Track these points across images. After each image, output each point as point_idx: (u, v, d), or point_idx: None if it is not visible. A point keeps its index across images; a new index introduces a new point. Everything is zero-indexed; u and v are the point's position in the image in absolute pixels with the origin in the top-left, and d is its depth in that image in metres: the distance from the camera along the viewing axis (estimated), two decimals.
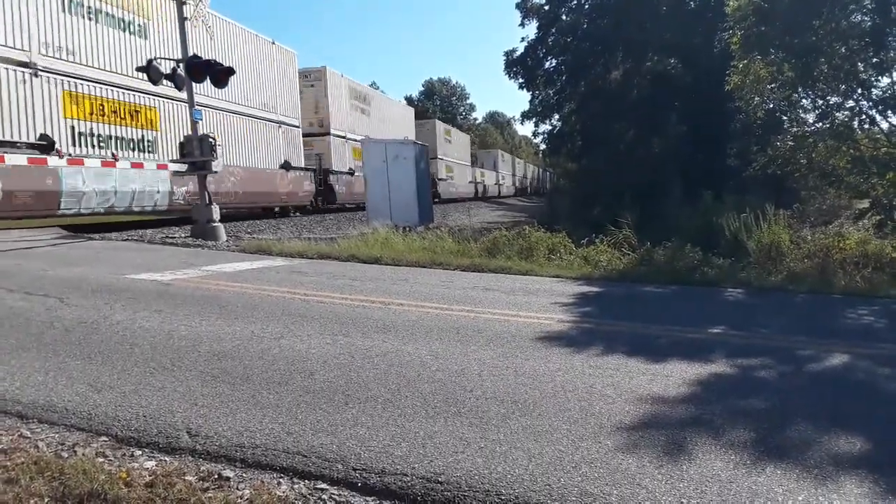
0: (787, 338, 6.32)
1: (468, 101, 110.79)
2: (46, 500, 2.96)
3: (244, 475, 3.32)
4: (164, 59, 15.86)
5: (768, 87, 15.21)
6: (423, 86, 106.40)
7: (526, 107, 39.77)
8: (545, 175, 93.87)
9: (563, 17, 34.07)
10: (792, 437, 3.80)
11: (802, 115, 16.51)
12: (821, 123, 15.21)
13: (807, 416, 4.11)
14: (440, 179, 45.37)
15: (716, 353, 5.56)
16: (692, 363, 5.22)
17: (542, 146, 51.35)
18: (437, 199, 35.93)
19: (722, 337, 6.37)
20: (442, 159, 47.79)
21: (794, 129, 16.25)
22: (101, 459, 3.42)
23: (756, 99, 16.03)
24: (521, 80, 35.85)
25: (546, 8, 34.22)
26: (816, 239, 11.27)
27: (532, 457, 3.45)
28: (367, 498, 3.13)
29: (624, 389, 4.55)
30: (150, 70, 14.76)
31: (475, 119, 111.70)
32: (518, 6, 34.92)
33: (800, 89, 15.05)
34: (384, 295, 8.09)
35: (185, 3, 15.37)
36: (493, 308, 7.38)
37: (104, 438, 3.72)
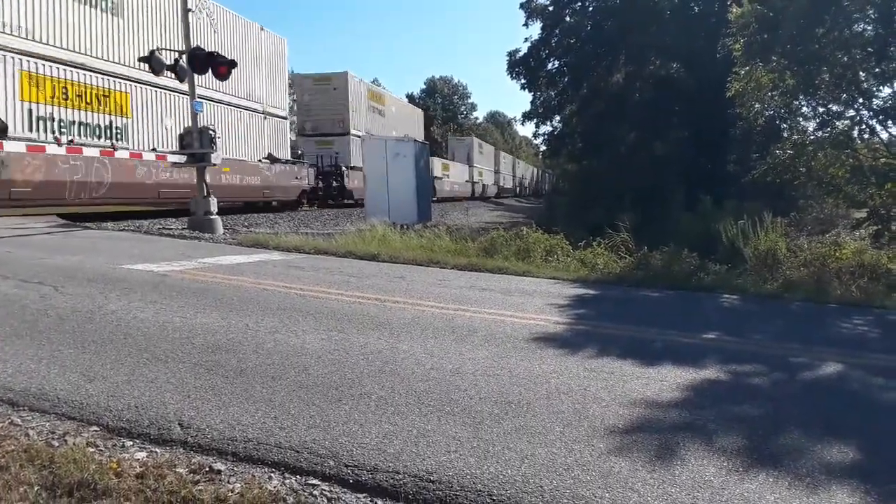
0: (782, 345, 6.33)
1: (469, 101, 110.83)
2: (36, 488, 2.95)
3: (235, 469, 3.31)
4: (167, 49, 15.82)
5: (769, 94, 15.20)
6: (425, 83, 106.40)
7: (527, 107, 39.82)
8: (544, 176, 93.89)
9: (567, 19, 34.09)
10: (785, 444, 3.80)
11: (803, 123, 16.53)
12: (821, 132, 15.22)
13: (800, 423, 4.11)
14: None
15: (710, 359, 5.56)
16: (686, 368, 5.22)
17: (543, 147, 51.41)
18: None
19: (717, 343, 6.38)
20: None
21: (794, 137, 16.25)
22: (91, 449, 3.40)
23: (757, 106, 16.03)
24: (523, 81, 35.89)
25: (550, 9, 34.22)
26: (813, 248, 11.30)
27: (525, 458, 3.44)
28: (359, 495, 3.12)
29: (618, 393, 4.55)
30: (151, 60, 14.72)
31: (476, 119, 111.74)
32: (522, 6, 34.91)
33: (801, 97, 15.06)
34: (380, 292, 8.07)
35: None
36: (489, 308, 7.37)
37: (95, 428, 3.71)
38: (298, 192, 28.05)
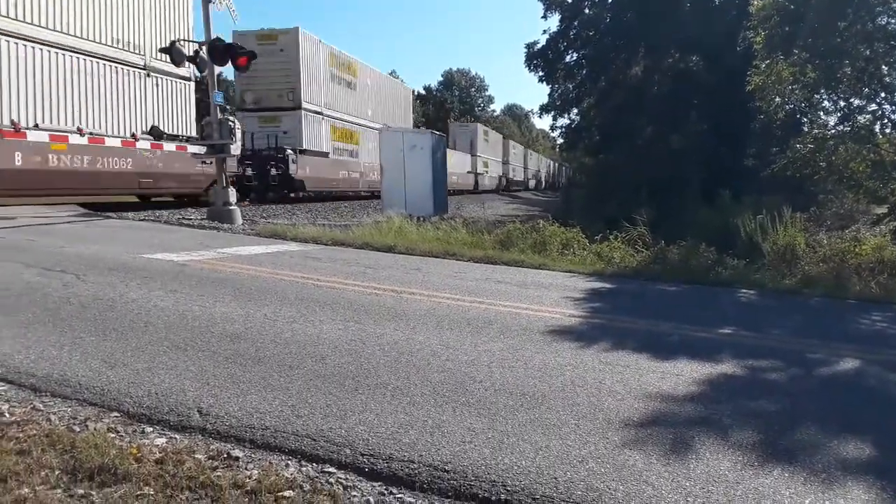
0: (800, 341, 6.29)
1: (487, 93, 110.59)
2: (57, 472, 3.01)
3: (253, 456, 3.35)
4: (187, 41, 15.87)
5: (790, 87, 15.06)
6: (442, 76, 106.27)
7: (545, 100, 39.64)
8: (561, 170, 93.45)
9: (586, 11, 33.89)
10: (801, 439, 3.79)
11: (823, 117, 16.36)
12: (842, 126, 15.06)
13: (816, 419, 4.10)
14: None
15: (727, 354, 5.54)
16: (702, 362, 5.20)
17: (560, 140, 51.04)
18: None
19: (734, 337, 6.35)
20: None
21: (815, 131, 16.09)
22: (112, 435, 3.46)
23: (777, 100, 15.89)
24: (541, 73, 35.69)
25: (569, 1, 34.01)
26: (832, 243, 11.20)
27: (539, 449, 3.46)
28: (374, 483, 3.16)
29: (633, 386, 4.55)
30: (172, 52, 14.80)
31: (493, 111, 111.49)
32: None
33: (822, 91, 14.89)
34: (397, 283, 8.11)
35: None
36: (504, 300, 7.39)
37: (116, 414, 3.77)
38: (208, 183, 19.03)
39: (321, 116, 28.10)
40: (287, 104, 25.86)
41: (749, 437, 3.76)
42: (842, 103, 15.06)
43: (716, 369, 5.09)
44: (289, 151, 24.57)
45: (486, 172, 56.58)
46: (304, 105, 26.11)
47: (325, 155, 28.16)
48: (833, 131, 15.32)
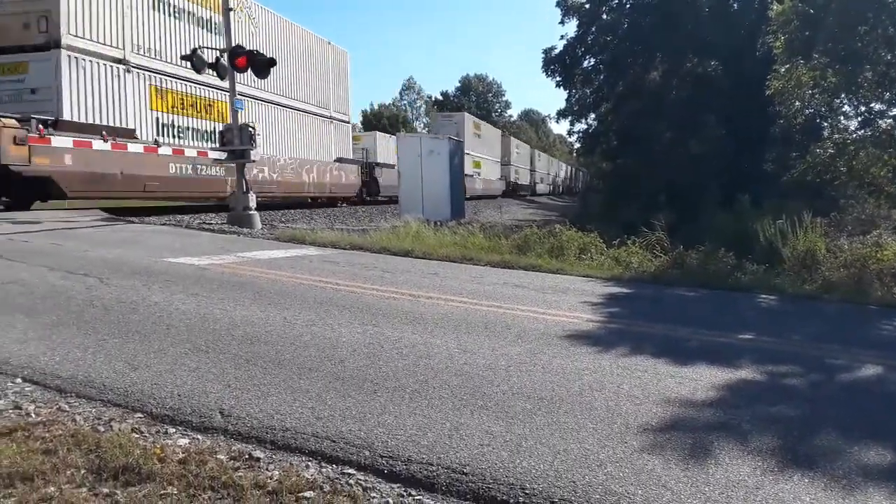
0: (820, 346, 6.24)
1: (504, 98, 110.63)
2: (83, 471, 3.06)
3: (274, 457, 3.40)
4: (207, 48, 16.14)
5: (810, 92, 14.94)
6: (459, 81, 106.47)
7: (562, 105, 39.53)
8: (577, 174, 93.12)
9: (604, 16, 33.81)
10: (821, 445, 3.77)
11: (844, 121, 16.22)
12: (863, 131, 14.92)
13: (837, 425, 4.07)
14: None
15: (746, 359, 5.51)
16: (721, 368, 5.18)
17: (577, 145, 50.88)
18: None
19: (753, 343, 6.31)
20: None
21: (835, 135, 15.95)
22: (136, 435, 3.52)
23: (797, 104, 15.77)
24: (558, 79, 35.64)
25: (587, 6, 33.96)
26: (853, 248, 11.07)
27: (557, 453, 3.47)
28: (393, 485, 3.19)
29: (651, 391, 4.54)
30: (193, 58, 14.99)
31: (510, 116, 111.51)
32: (558, 4, 34.68)
33: (842, 95, 14.77)
34: (414, 287, 8.15)
35: None
36: (522, 305, 7.39)
37: (140, 415, 3.83)
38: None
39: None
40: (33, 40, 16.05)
41: (769, 443, 3.74)
42: (862, 108, 14.93)
43: (735, 374, 5.07)
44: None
45: (478, 174, 48.54)
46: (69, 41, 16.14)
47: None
48: (854, 136, 15.19)
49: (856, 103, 14.98)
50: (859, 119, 15.20)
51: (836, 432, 3.95)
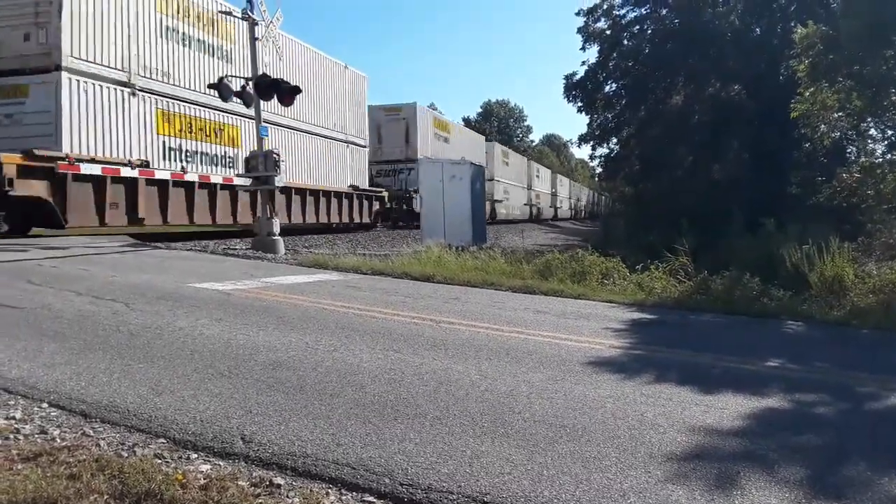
0: (848, 374, 6.11)
1: (525, 123, 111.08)
2: (106, 496, 3.08)
3: (294, 483, 3.40)
4: (234, 76, 16.46)
5: (835, 115, 14.81)
6: (481, 107, 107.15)
7: (583, 130, 39.57)
8: (599, 198, 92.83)
9: (625, 42, 33.93)
10: (849, 476, 3.69)
11: (871, 144, 16.04)
12: (890, 154, 14.74)
13: (865, 455, 3.98)
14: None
15: (772, 387, 5.42)
16: (747, 396, 5.10)
17: (599, 169, 50.88)
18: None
19: (779, 370, 6.20)
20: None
21: (862, 159, 15.77)
22: (158, 460, 3.55)
23: (822, 127, 15.63)
24: (580, 104, 35.72)
25: (608, 32, 34.11)
26: (883, 274, 10.86)
27: (580, 483, 3.43)
28: None
29: (676, 419, 4.48)
30: (220, 87, 15.28)
31: (532, 141, 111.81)
32: (580, 30, 34.87)
33: (868, 119, 14.62)
34: (435, 313, 8.15)
35: (256, 24, 15.90)
36: (543, 330, 7.36)
37: (162, 440, 3.86)
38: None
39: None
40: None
41: (796, 473, 3.66)
42: (889, 131, 14.76)
43: (761, 403, 4.98)
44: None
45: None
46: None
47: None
48: (881, 159, 15.00)
49: (882, 127, 14.82)
50: (886, 143, 15.03)
51: (864, 462, 3.86)
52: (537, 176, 65.33)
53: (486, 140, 52.99)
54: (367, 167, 31.84)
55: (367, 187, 31.12)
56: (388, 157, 34.49)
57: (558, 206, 75.53)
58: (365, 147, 31.56)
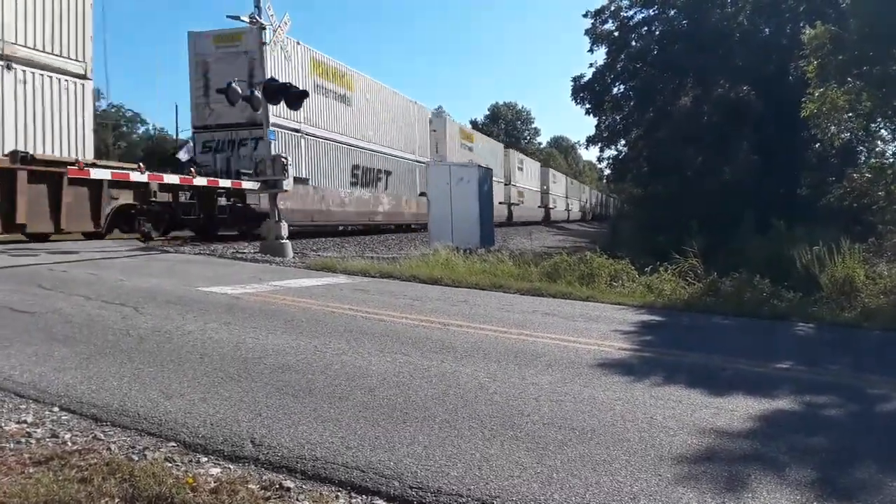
0: (859, 376, 6.08)
1: (533, 126, 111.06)
2: (117, 500, 3.10)
3: (304, 486, 3.40)
4: (242, 81, 16.52)
5: (845, 116, 14.74)
6: (488, 109, 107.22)
7: (591, 132, 39.62)
8: (608, 200, 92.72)
9: (633, 44, 33.94)
10: (860, 478, 3.66)
11: (881, 145, 15.95)
12: None
13: (876, 457, 3.95)
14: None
15: (783, 389, 5.39)
16: (758, 398, 5.07)
17: (607, 171, 51.00)
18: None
19: (790, 372, 6.17)
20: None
21: (872, 159, 15.68)
22: (169, 464, 3.56)
23: (832, 128, 15.56)
24: (587, 106, 35.80)
25: (616, 34, 34.15)
26: (894, 275, 10.80)
27: (589, 486, 3.42)
28: None
29: (686, 422, 4.46)
30: (228, 91, 15.33)
31: (539, 143, 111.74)
32: (587, 32, 34.94)
33: (878, 120, 14.54)
34: (444, 315, 8.15)
35: (264, 28, 15.95)
36: (552, 333, 7.34)
37: (173, 444, 3.87)
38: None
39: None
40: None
41: (806, 475, 3.64)
42: None
43: (772, 405, 4.96)
44: None
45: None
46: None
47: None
48: (891, 160, 14.92)
49: (892, 127, 14.73)
50: None
51: (875, 464, 3.84)
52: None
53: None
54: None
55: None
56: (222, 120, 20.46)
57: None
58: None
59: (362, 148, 27.41)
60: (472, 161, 33.60)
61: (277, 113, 18.40)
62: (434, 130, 36.11)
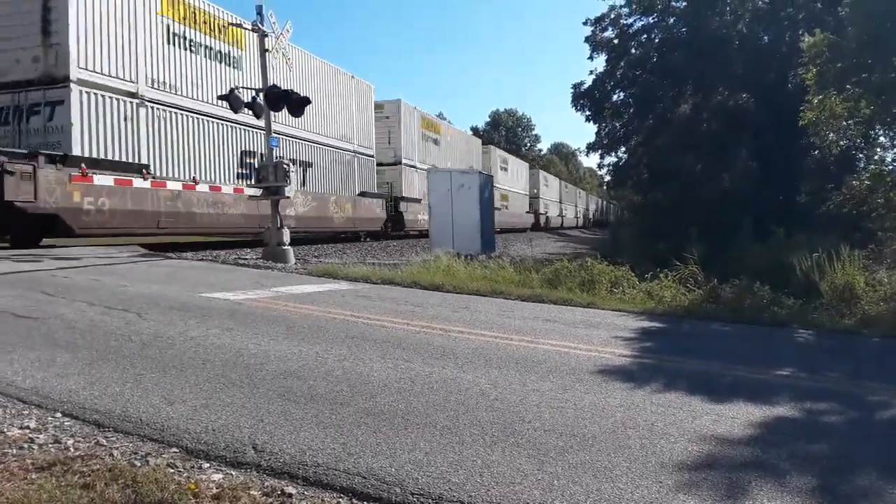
0: (860, 383, 6.09)
1: (533, 132, 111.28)
2: None
3: (306, 492, 3.41)
4: (245, 88, 16.57)
5: (844, 123, 14.79)
6: (489, 116, 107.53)
7: (591, 139, 39.71)
8: (608, 207, 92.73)
9: (633, 51, 34.05)
10: (861, 486, 3.67)
11: (881, 152, 16.00)
12: None
13: (877, 464, 3.96)
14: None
15: (783, 396, 5.40)
16: (758, 405, 5.08)
17: (607, 178, 50.98)
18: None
19: (790, 379, 6.18)
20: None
21: (871, 167, 15.73)
22: (171, 470, 3.57)
23: (831, 135, 15.61)
24: (587, 113, 35.89)
25: (615, 41, 34.25)
26: (893, 282, 10.81)
27: (590, 493, 3.43)
28: None
29: (686, 428, 4.47)
30: (231, 98, 15.40)
31: (539, 150, 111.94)
32: (587, 40, 35.03)
33: (877, 127, 14.59)
34: (445, 322, 8.16)
35: (266, 35, 16.03)
36: (553, 339, 7.36)
37: (175, 450, 3.89)
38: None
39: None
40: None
41: (807, 483, 3.66)
42: None
43: (772, 412, 4.97)
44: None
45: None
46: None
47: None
48: (890, 167, 14.97)
49: (891, 134, 14.79)
50: (895, 150, 15.01)
51: (876, 472, 3.85)
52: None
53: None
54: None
55: None
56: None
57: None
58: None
59: (258, 128, 20.45)
60: (434, 156, 32.45)
61: (96, 68, 16.28)
62: (387, 117, 32.15)
